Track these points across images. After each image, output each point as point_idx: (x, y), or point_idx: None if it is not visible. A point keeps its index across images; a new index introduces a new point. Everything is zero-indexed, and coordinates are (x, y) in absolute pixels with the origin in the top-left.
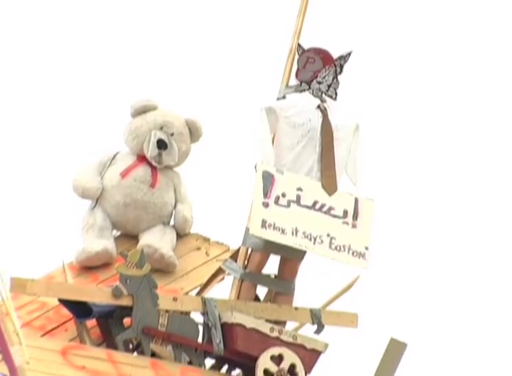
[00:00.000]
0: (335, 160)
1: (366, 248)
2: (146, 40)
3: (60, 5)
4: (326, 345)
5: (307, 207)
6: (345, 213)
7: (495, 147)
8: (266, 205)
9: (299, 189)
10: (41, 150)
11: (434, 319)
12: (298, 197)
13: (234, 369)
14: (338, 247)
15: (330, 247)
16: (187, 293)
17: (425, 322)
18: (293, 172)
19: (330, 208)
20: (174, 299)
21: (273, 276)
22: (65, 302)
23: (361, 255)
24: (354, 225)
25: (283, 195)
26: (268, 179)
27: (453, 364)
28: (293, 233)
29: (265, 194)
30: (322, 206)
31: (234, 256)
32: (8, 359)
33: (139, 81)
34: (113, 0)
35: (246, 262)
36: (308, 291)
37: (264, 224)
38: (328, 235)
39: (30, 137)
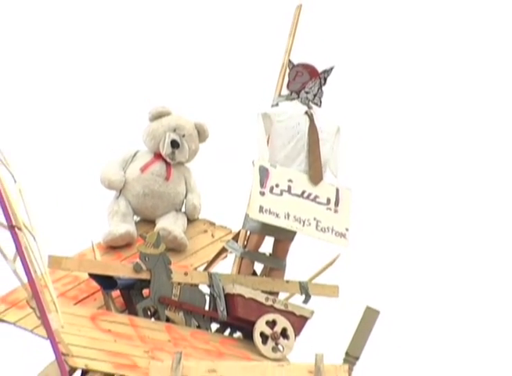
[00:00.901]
0: (320, 157)
1: (347, 229)
2: (162, 57)
3: (84, 9)
4: (313, 312)
5: (297, 195)
6: (328, 200)
7: (468, 130)
8: (262, 194)
9: (290, 180)
10: (74, 149)
11: (405, 291)
12: (289, 187)
13: (235, 332)
14: (323, 229)
15: (317, 228)
16: (196, 268)
17: (396, 294)
18: (284, 167)
19: (316, 196)
20: (185, 274)
21: (268, 255)
22: (94, 276)
23: (342, 235)
24: (336, 211)
25: (277, 185)
26: (263, 172)
27: (420, 330)
28: (285, 217)
29: (262, 185)
30: (309, 195)
31: (235, 238)
32: (46, 324)
33: (155, 92)
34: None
35: (245, 243)
36: (297, 266)
37: (261, 209)
38: (314, 219)
39: (69, 138)
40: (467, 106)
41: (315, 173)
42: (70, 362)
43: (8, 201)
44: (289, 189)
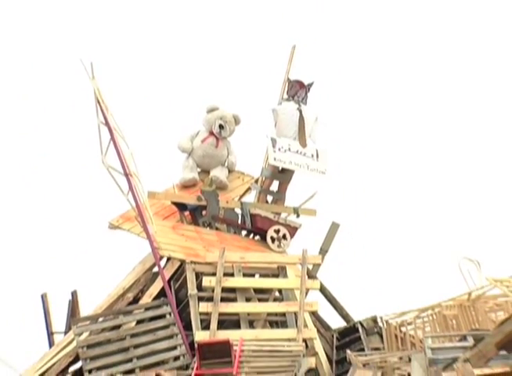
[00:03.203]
0: (305, 133)
1: (325, 170)
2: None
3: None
4: (301, 225)
5: (294, 152)
6: (312, 155)
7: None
8: (274, 151)
9: (289, 145)
10: (163, 128)
11: (357, 211)
12: (289, 148)
13: (256, 236)
14: (311, 169)
15: (308, 169)
16: (233, 199)
17: (350, 214)
18: (285, 138)
19: (305, 153)
20: (227, 202)
21: (275, 191)
22: (174, 203)
23: (323, 173)
24: (317, 160)
25: (282, 147)
26: (274, 141)
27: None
28: (289, 163)
29: (273, 147)
30: (301, 152)
31: (256, 181)
32: (146, 231)
33: (211, 97)
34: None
35: (262, 184)
36: (291, 198)
37: (275, 159)
38: (306, 164)
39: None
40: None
41: (302, 141)
42: (160, 252)
43: (124, 159)
44: (289, 149)
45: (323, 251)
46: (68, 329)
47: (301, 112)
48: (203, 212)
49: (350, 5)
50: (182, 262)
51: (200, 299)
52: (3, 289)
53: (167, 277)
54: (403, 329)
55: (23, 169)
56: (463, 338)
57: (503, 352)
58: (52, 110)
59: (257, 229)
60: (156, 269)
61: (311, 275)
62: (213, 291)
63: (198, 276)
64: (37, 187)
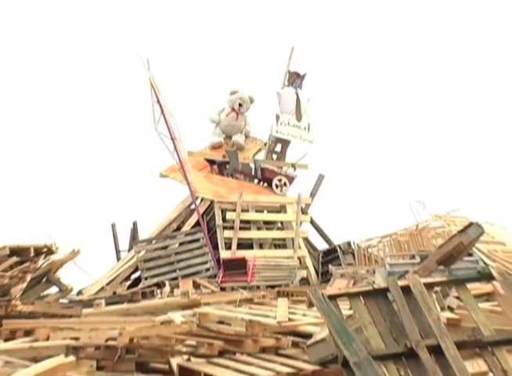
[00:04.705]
0: (301, 110)
1: (314, 139)
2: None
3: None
4: (297, 176)
5: (292, 125)
6: (305, 128)
7: None
8: (277, 125)
9: (288, 119)
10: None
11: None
12: (288, 122)
13: (264, 183)
14: (303, 139)
15: (300, 139)
16: (248, 157)
17: (331, 167)
18: (286, 114)
19: (299, 126)
20: (244, 159)
21: (279, 151)
22: (206, 159)
23: (311, 142)
24: (308, 132)
25: (283, 121)
26: (278, 117)
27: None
28: (287, 135)
29: (277, 121)
30: (297, 125)
31: (265, 144)
32: (186, 179)
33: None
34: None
35: (269, 146)
36: (290, 156)
37: (277, 132)
38: (299, 135)
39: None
40: None
41: (298, 117)
42: (196, 194)
43: (170, 128)
44: (288, 123)
45: (312, 195)
46: (130, 248)
47: (297, 95)
48: (227, 166)
49: (345, 5)
50: (212, 202)
51: (224, 228)
52: (86, 219)
53: (201, 212)
54: (370, 250)
55: (108, 138)
56: (413, 257)
57: (441, 267)
58: (121, 94)
59: (265, 178)
60: (193, 206)
61: (303, 211)
62: (233, 222)
63: (223, 211)
64: (113, 151)
